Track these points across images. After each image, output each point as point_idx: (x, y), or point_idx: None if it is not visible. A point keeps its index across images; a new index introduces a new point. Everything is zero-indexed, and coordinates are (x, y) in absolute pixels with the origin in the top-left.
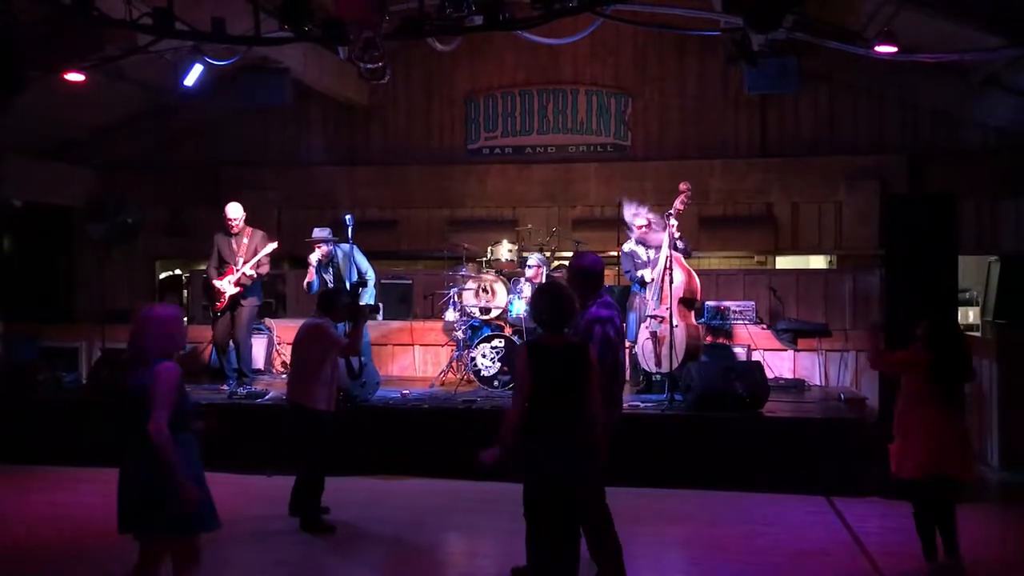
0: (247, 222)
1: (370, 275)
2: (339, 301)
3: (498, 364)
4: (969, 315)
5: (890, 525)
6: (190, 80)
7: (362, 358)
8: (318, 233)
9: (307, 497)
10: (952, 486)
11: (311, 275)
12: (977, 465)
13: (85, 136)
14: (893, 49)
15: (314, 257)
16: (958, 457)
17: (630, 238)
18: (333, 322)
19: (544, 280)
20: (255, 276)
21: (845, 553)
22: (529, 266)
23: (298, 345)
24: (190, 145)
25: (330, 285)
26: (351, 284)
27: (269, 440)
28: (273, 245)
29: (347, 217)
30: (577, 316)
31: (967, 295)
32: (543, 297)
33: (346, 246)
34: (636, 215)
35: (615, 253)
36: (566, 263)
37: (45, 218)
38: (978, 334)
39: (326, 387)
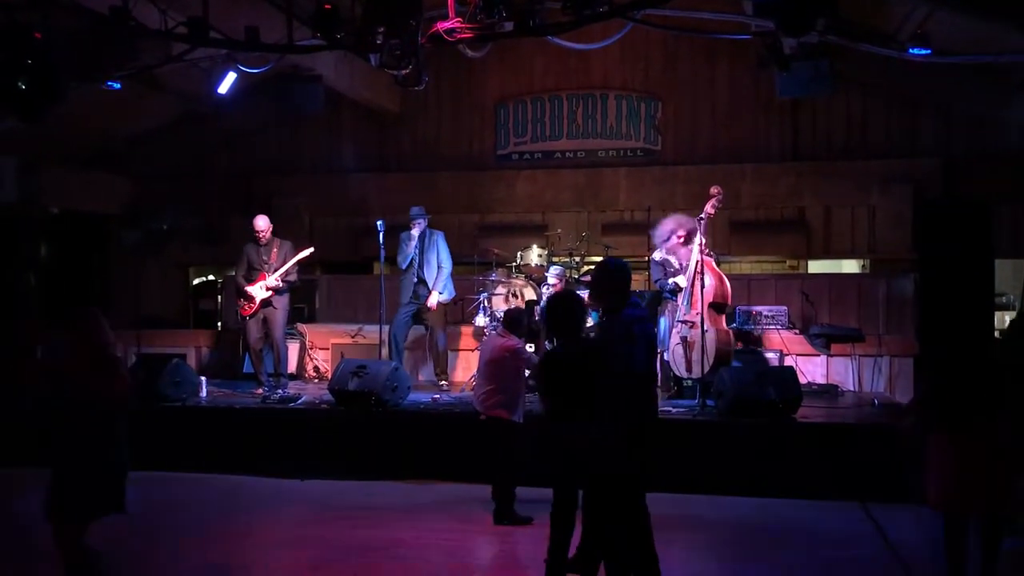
0: (275, 233)
1: (447, 265)
2: (524, 321)
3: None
4: (1005, 319)
5: (925, 532)
6: (224, 88)
7: (394, 363)
8: (415, 210)
9: (504, 494)
10: (986, 518)
11: (408, 249)
12: (1012, 497)
13: (121, 145)
14: (927, 52)
15: (415, 231)
16: (979, 491)
17: (659, 248)
18: (519, 339)
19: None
20: (286, 283)
21: (880, 560)
22: (550, 285)
23: (492, 364)
24: (223, 153)
25: (410, 261)
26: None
27: (303, 444)
28: (307, 251)
29: (378, 223)
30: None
31: (1003, 299)
32: (559, 305)
33: (437, 232)
34: (673, 230)
35: (644, 258)
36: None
37: (81, 225)
38: None
39: (522, 401)
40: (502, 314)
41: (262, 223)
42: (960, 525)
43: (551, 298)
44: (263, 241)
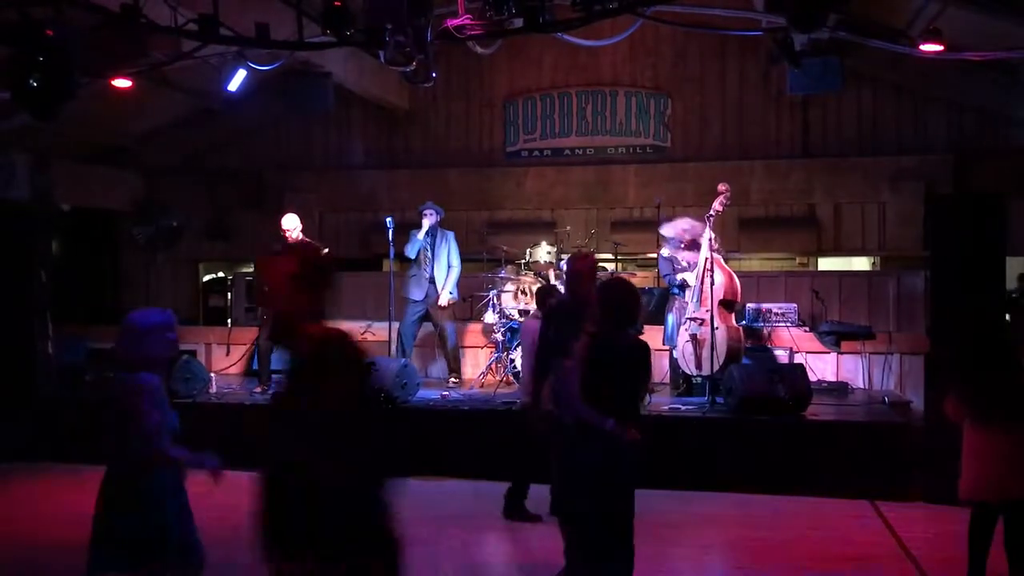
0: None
1: (456, 265)
2: (553, 294)
3: None
4: None
5: (936, 530)
6: (234, 85)
7: (403, 359)
8: (428, 204)
9: (517, 489)
10: (1013, 510)
11: (418, 238)
12: None
13: (131, 141)
14: (939, 47)
15: (425, 223)
16: (1012, 481)
17: (666, 245)
18: None
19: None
20: None
21: (890, 559)
22: (562, 268)
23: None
24: (233, 150)
25: (419, 253)
26: None
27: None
28: (323, 252)
29: (387, 220)
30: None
31: (1014, 296)
32: (612, 293)
33: (448, 232)
34: (686, 231)
35: (653, 255)
36: (603, 265)
37: (92, 221)
38: None
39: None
40: (512, 311)
41: (287, 222)
42: (990, 518)
43: (603, 285)
44: (290, 241)
